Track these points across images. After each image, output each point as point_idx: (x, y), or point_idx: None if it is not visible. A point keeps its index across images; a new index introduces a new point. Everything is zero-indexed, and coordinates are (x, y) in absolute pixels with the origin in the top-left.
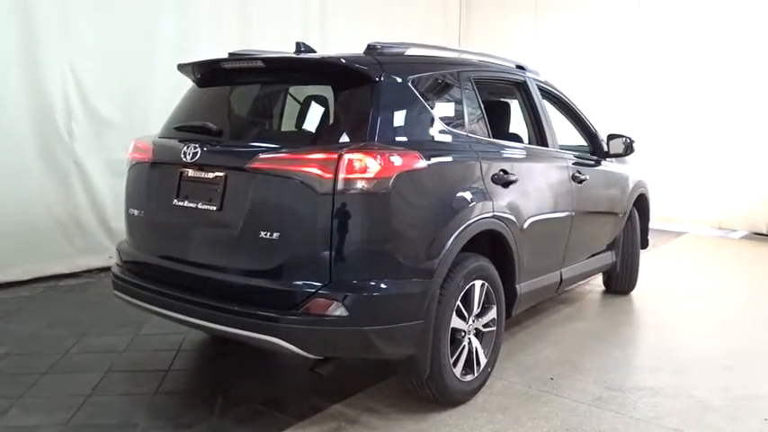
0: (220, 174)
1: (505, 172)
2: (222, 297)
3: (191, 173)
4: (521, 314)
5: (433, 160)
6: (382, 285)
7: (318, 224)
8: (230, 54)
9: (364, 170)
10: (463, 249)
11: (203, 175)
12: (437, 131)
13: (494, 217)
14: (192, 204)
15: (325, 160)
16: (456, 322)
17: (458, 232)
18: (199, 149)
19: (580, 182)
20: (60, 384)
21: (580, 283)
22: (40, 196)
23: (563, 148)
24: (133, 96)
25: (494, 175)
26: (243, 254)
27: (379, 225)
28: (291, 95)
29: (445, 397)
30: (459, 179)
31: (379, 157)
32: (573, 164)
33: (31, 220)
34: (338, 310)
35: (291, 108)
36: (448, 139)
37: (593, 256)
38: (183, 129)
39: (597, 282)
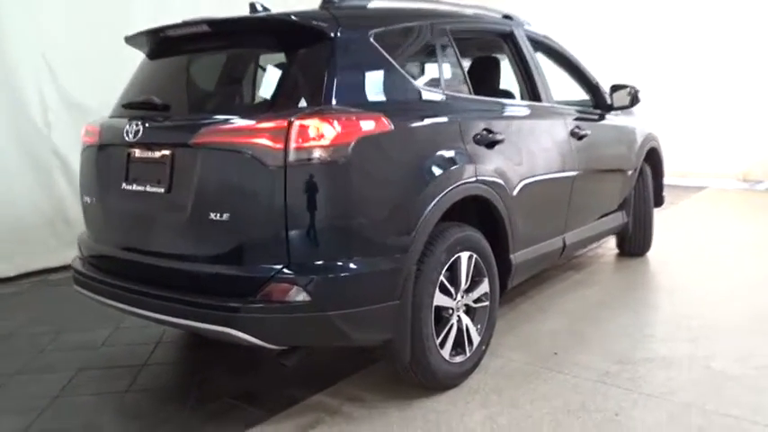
0: (167, 152)
1: (489, 131)
2: (177, 287)
3: (137, 153)
4: (524, 284)
5: (401, 123)
6: (348, 265)
7: (271, 201)
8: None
9: (319, 137)
10: (445, 219)
11: (150, 154)
12: (406, 90)
13: (477, 182)
14: (140, 188)
15: (273, 129)
16: (440, 299)
17: (434, 202)
18: (141, 127)
19: (580, 138)
20: (28, 386)
21: (593, 246)
22: (23, 191)
23: (563, 104)
24: (109, 81)
25: (476, 136)
26: (194, 238)
27: (340, 199)
28: (244, 61)
29: (432, 381)
30: (433, 142)
31: (334, 121)
32: (572, 119)
33: (17, 215)
34: (299, 295)
35: (244, 75)
36: (419, 98)
37: (602, 217)
38: (130, 106)
39: (611, 244)
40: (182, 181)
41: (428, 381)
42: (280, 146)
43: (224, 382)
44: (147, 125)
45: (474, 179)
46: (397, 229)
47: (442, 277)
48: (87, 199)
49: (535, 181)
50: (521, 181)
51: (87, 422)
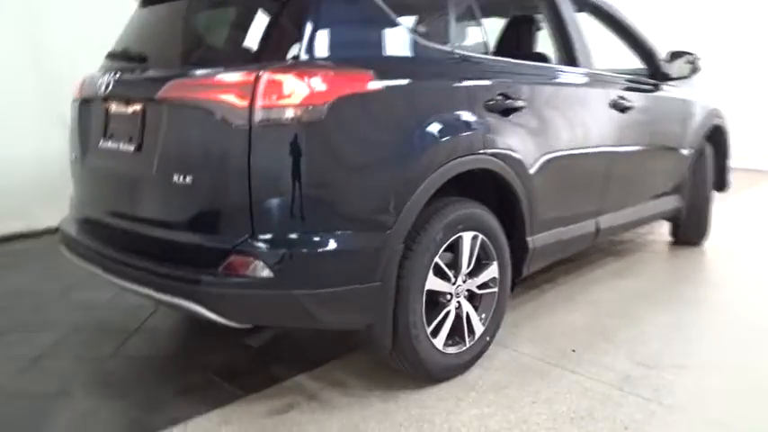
0: (138, 107)
1: (506, 97)
2: (146, 254)
3: (113, 108)
4: (553, 269)
5: (393, 81)
6: (320, 240)
7: (235, 166)
8: None
9: (290, 95)
10: (446, 194)
11: (124, 110)
12: (404, 45)
13: (486, 154)
14: (114, 145)
15: (239, 84)
16: (434, 283)
17: (430, 175)
18: (113, 79)
19: (624, 110)
20: (16, 345)
21: (641, 232)
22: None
23: (608, 71)
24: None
25: (489, 102)
26: (160, 202)
27: (313, 166)
28: (226, 8)
29: (422, 372)
30: (433, 106)
31: (310, 77)
32: (616, 89)
33: (39, 172)
34: (262, 270)
35: (225, 24)
36: (419, 54)
37: (650, 201)
38: (112, 56)
39: (665, 229)
40: (150, 139)
41: (416, 371)
42: (245, 103)
43: (212, 355)
44: (118, 77)
45: (482, 151)
46: (380, 203)
47: (437, 259)
48: (72, 156)
49: (562, 156)
50: (543, 155)
51: (60, 388)
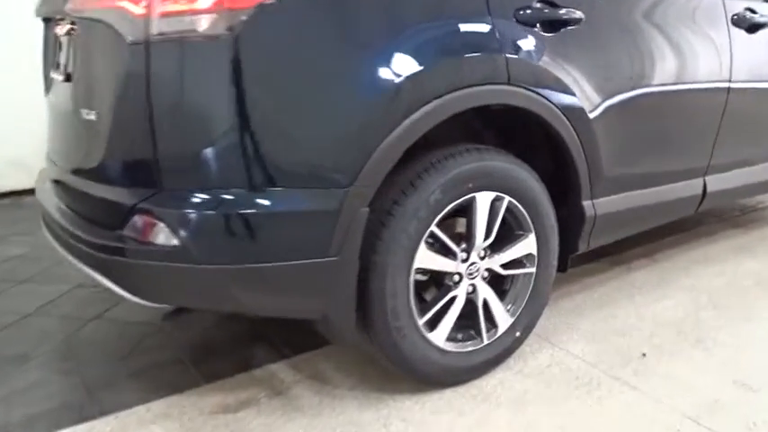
0: (69, 26)
1: (551, 4)
2: (75, 212)
3: (58, 29)
4: (656, 239)
5: None
6: (245, 198)
7: (134, 95)
8: None
9: None
10: (456, 138)
11: (63, 30)
12: None
13: (513, 84)
14: (55, 75)
15: None
16: (429, 260)
17: (408, 111)
18: None
19: (751, 28)
20: (17, 298)
21: None
22: None
23: None
24: None
25: (520, 10)
26: (75, 145)
27: (232, 96)
28: None
29: (412, 375)
30: (422, 12)
31: None
32: None
33: None
34: (166, 237)
35: None
36: None
37: None
38: None
39: None
40: (73, 65)
41: (404, 373)
42: (141, 12)
43: (194, 332)
44: None
45: (505, 82)
46: (330, 150)
47: (434, 227)
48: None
49: (646, 94)
50: (614, 91)
51: (22, 353)
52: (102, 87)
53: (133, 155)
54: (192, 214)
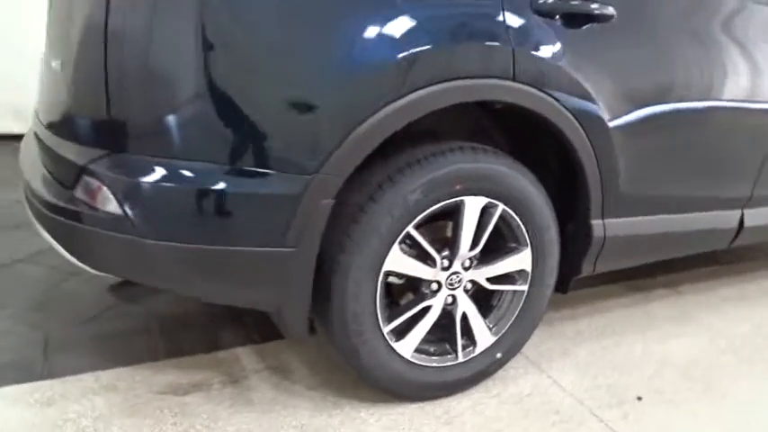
0: None
1: None
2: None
3: None
4: (686, 269)
5: None
6: (198, 172)
7: (89, 43)
8: None
9: None
10: (459, 134)
11: None
12: None
13: (518, 81)
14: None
15: None
16: (402, 264)
17: (388, 99)
18: None
19: None
20: (10, 243)
21: None
22: None
23: None
24: None
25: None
26: (47, 95)
27: (194, 57)
28: None
29: (372, 382)
30: None
31: None
32: None
33: None
34: (109, 204)
35: None
36: None
37: None
38: None
39: None
40: (49, 12)
41: (363, 379)
42: None
43: (174, 302)
44: None
45: (509, 78)
46: (297, 132)
47: (410, 229)
48: None
49: (682, 108)
50: (644, 102)
51: (6, 298)
52: (65, 36)
53: (89, 110)
54: (140, 183)
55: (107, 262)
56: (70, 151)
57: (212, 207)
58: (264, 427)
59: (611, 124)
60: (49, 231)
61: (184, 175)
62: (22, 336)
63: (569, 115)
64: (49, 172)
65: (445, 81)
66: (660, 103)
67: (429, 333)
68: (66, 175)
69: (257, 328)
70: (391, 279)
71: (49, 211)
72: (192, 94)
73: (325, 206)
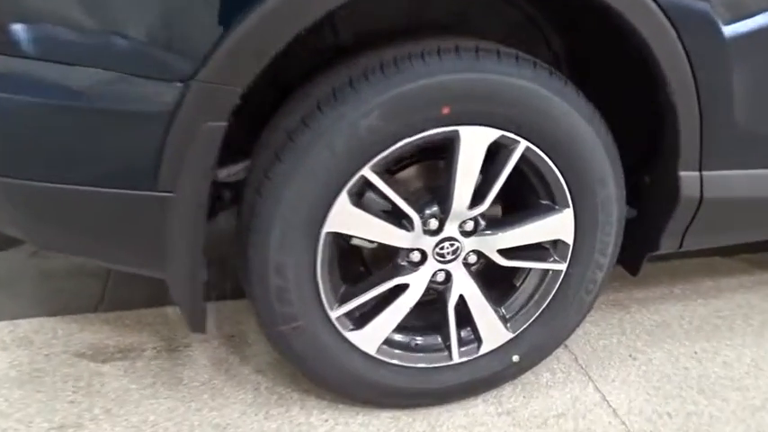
0: None
1: None
2: None
3: None
4: None
5: None
6: (30, 78)
7: None
8: None
9: None
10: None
11: None
12: None
13: None
14: None
15: None
16: (356, 223)
17: None
18: None
19: None
20: None
21: None
22: None
23: None
24: None
25: None
26: None
27: None
28: None
29: (318, 383)
30: None
31: None
32: None
33: None
34: None
35: None
36: None
37: None
38: None
39: None
40: None
41: (307, 377)
42: None
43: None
44: None
45: None
46: (168, 10)
47: (368, 172)
48: None
49: None
50: None
51: None
52: None
53: None
54: None
55: None
56: None
57: (46, 126)
58: (175, 422)
59: (727, 31)
60: None
61: (9, 76)
62: None
63: (655, 8)
64: None
65: None
66: None
67: (415, 319)
68: None
69: (234, 279)
70: (358, 242)
71: None
72: None
73: (213, 130)
